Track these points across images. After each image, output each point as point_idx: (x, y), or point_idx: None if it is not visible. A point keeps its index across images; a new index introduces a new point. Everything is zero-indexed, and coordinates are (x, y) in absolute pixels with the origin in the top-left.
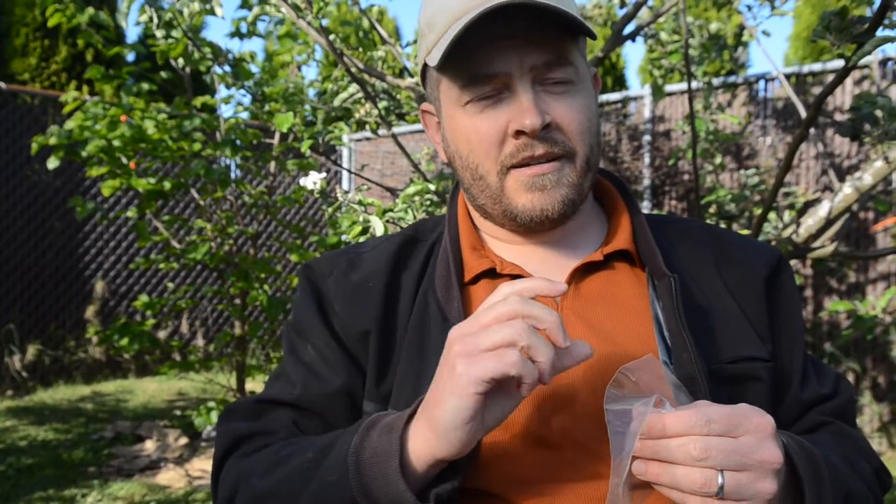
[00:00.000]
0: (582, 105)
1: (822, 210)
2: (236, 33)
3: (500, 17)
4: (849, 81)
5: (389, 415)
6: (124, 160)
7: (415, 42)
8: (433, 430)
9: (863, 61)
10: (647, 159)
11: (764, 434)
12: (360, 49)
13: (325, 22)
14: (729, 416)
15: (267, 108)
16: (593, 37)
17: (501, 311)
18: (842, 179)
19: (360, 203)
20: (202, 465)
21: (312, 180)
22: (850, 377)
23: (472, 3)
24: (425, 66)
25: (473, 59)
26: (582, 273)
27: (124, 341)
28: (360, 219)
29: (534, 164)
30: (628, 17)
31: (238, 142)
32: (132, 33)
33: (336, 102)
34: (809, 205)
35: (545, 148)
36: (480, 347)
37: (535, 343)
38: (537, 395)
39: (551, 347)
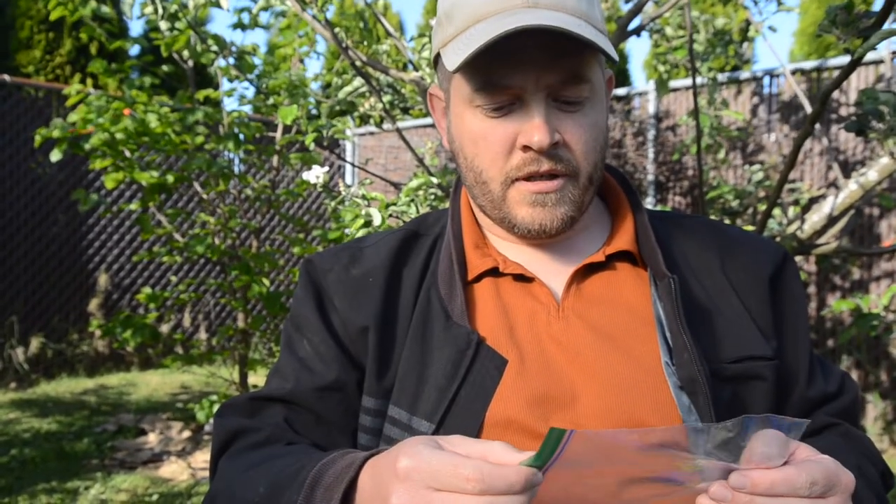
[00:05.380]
0: (592, 122)
1: (827, 206)
2: (239, 24)
3: (523, 32)
4: (854, 77)
5: (334, 465)
6: (128, 153)
7: (419, 36)
8: None
9: (871, 57)
10: (651, 154)
11: (847, 494)
12: (365, 43)
13: (329, 14)
14: (827, 477)
15: (270, 101)
16: (615, 61)
17: (463, 484)
18: (847, 176)
19: (363, 197)
20: (205, 458)
21: (315, 174)
22: (853, 375)
23: (493, 5)
24: (439, 53)
25: (490, 68)
26: (583, 274)
27: (127, 334)
28: (363, 212)
29: (537, 178)
30: (634, 12)
31: (241, 135)
32: (136, 27)
33: (340, 96)
34: (814, 201)
35: (550, 165)
36: None
37: None
38: (538, 395)
39: None
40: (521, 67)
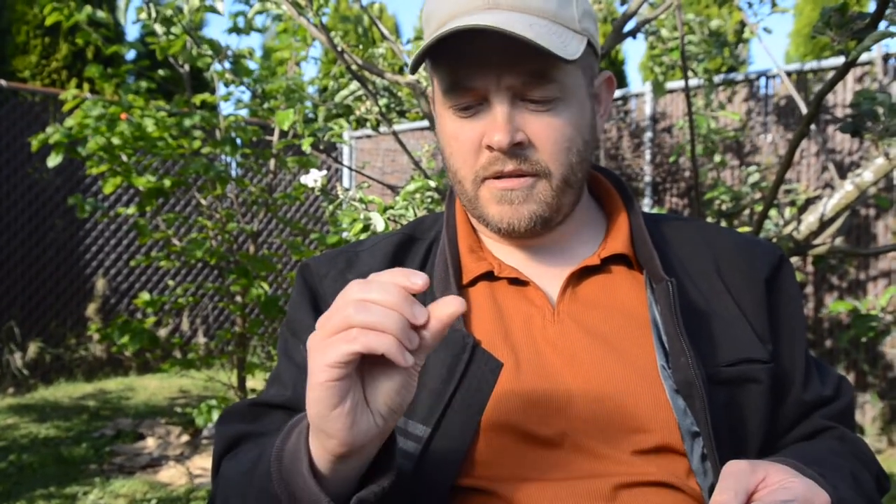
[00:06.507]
0: (563, 123)
1: (823, 207)
2: (234, 28)
3: (481, 33)
4: (849, 78)
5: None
6: (124, 158)
7: (416, 39)
8: (313, 426)
9: (866, 58)
10: (647, 156)
11: None
12: (360, 46)
13: (324, 19)
14: None
15: (267, 105)
16: (565, 61)
17: (340, 301)
18: (843, 176)
19: (360, 200)
20: (203, 463)
21: (313, 178)
22: (851, 375)
23: (461, 6)
24: None
25: (454, 69)
26: (578, 277)
27: (124, 339)
28: (361, 216)
29: (504, 177)
30: (629, 14)
31: (238, 139)
32: (132, 31)
33: (337, 99)
34: (810, 202)
35: (515, 165)
36: (321, 336)
37: (370, 318)
38: (535, 396)
39: (394, 316)
40: (482, 69)
